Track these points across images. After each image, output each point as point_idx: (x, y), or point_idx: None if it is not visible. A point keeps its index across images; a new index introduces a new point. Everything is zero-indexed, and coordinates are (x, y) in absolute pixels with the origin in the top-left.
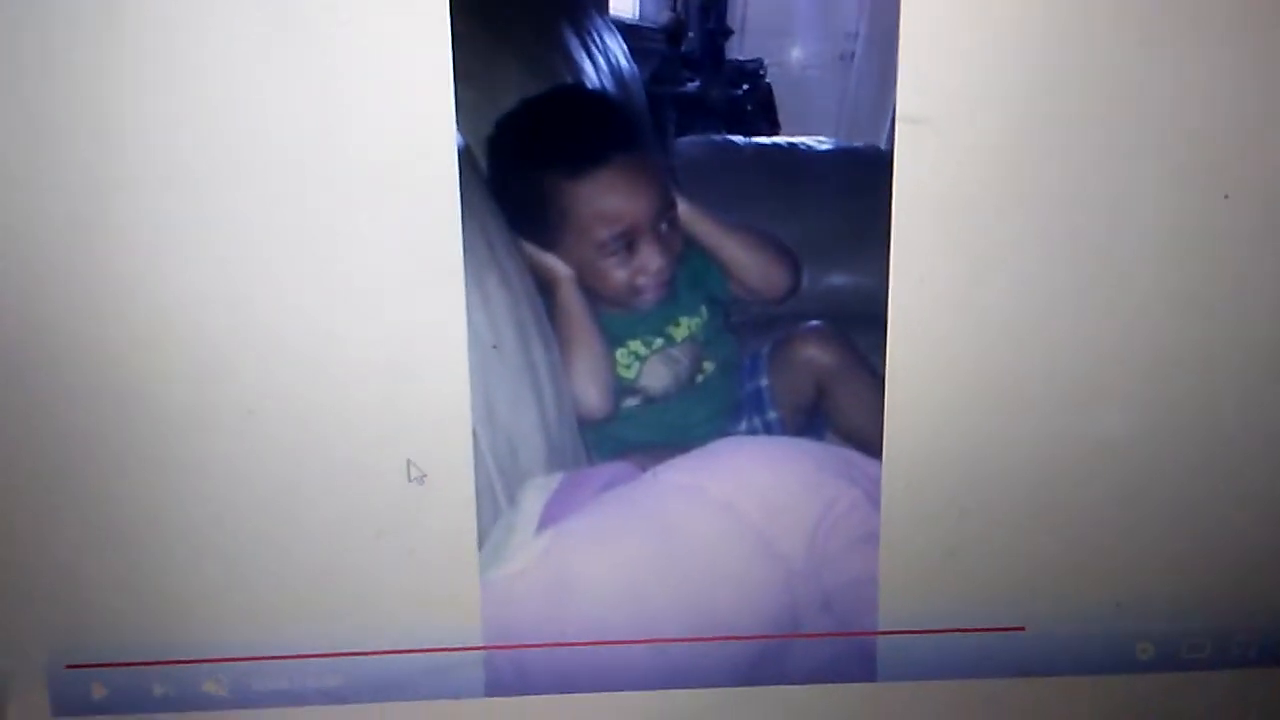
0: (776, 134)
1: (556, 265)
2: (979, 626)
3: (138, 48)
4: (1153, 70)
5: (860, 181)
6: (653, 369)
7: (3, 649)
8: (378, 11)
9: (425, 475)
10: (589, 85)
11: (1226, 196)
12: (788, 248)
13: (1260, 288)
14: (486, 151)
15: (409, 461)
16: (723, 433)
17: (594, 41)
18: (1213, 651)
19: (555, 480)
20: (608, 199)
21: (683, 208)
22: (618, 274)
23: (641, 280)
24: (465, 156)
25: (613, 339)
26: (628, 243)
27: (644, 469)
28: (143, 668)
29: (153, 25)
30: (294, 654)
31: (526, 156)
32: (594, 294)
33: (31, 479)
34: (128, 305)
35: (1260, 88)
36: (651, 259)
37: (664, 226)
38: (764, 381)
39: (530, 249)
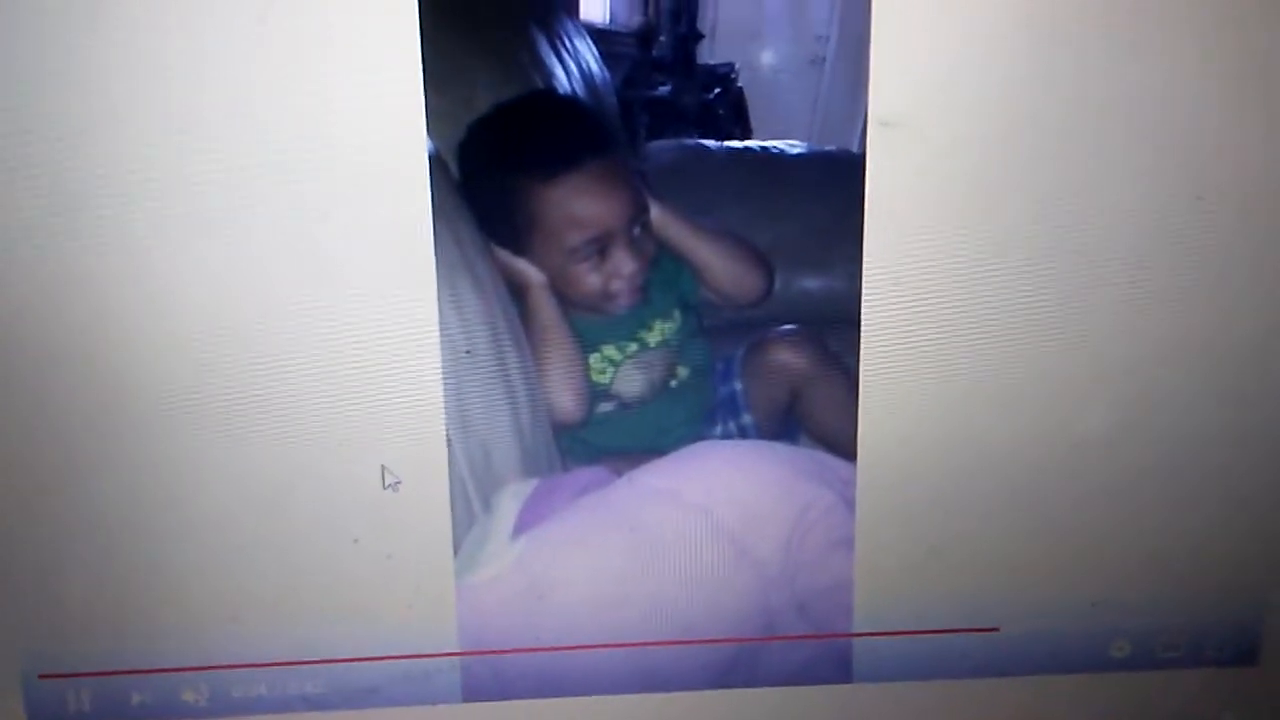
0: (749, 138)
1: (529, 270)
2: (954, 628)
3: (113, 53)
4: (1126, 72)
5: (833, 185)
6: (627, 374)
7: None
8: (348, 15)
9: (400, 481)
10: (561, 90)
11: (1199, 198)
12: (760, 252)
13: (1235, 287)
14: (458, 156)
15: (384, 468)
16: (697, 437)
17: (565, 46)
18: (1188, 650)
19: (530, 486)
20: (580, 204)
21: (655, 212)
22: (591, 279)
23: (615, 285)
24: (436, 162)
25: (586, 344)
26: (600, 248)
27: (619, 474)
28: (120, 676)
29: (129, 30)
30: (272, 661)
31: (499, 161)
32: (567, 299)
33: (4, 485)
34: (100, 311)
35: (1233, 89)
36: (624, 264)
37: (637, 231)
38: (738, 385)
39: (502, 254)
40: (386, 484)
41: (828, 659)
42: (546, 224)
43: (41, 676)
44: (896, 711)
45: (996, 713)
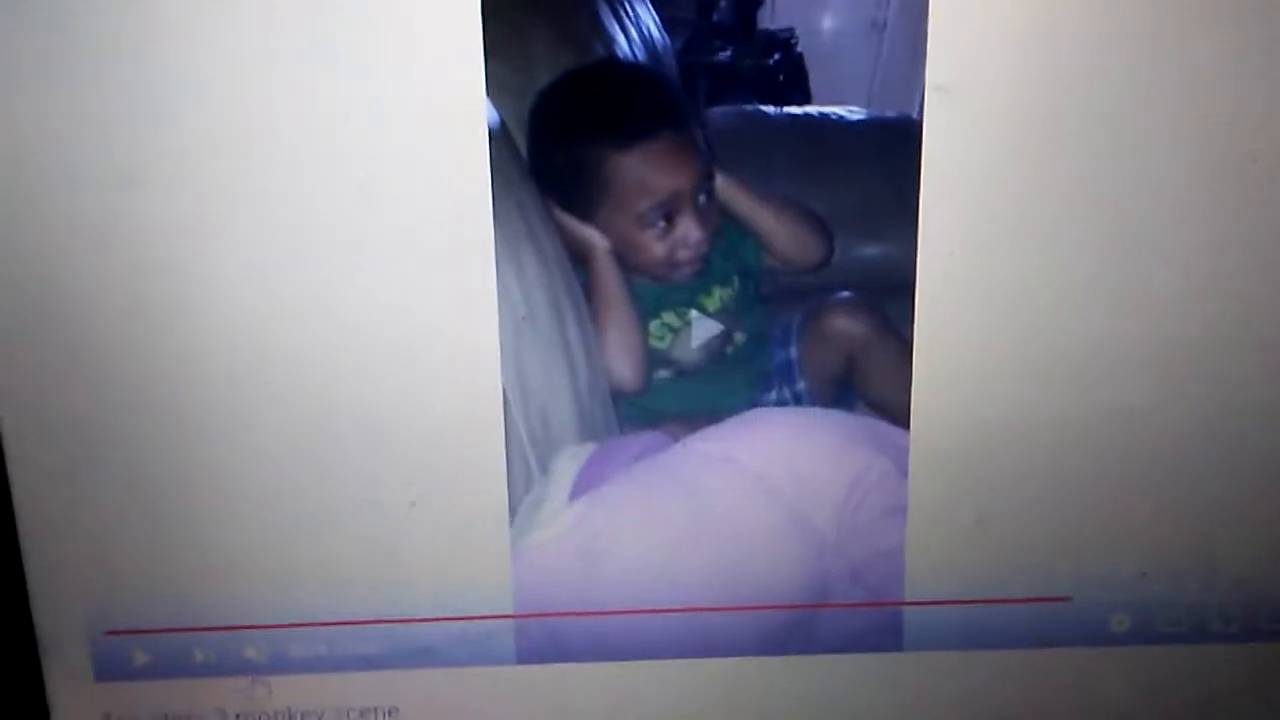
0: (808, 103)
1: (593, 236)
2: (1006, 598)
3: (167, 29)
4: (1185, 38)
5: (891, 151)
6: (685, 340)
7: (45, 616)
8: None
9: (457, 444)
10: (624, 56)
11: (1255, 161)
12: (821, 217)
13: None
14: (526, 123)
15: (441, 430)
16: (753, 403)
17: (625, 11)
18: (1241, 624)
19: (587, 450)
20: (653, 172)
21: (719, 179)
22: (657, 247)
23: (681, 253)
24: (498, 129)
25: (647, 311)
26: (667, 215)
27: (676, 439)
28: (183, 634)
29: (180, 7)
30: (331, 621)
31: (571, 128)
32: (630, 266)
33: (73, 449)
34: (166, 279)
35: None
36: (691, 231)
37: (702, 199)
38: (794, 352)
39: (567, 220)
40: (445, 446)
41: (879, 626)
42: (617, 191)
43: (108, 633)
44: (947, 680)
45: (1049, 682)
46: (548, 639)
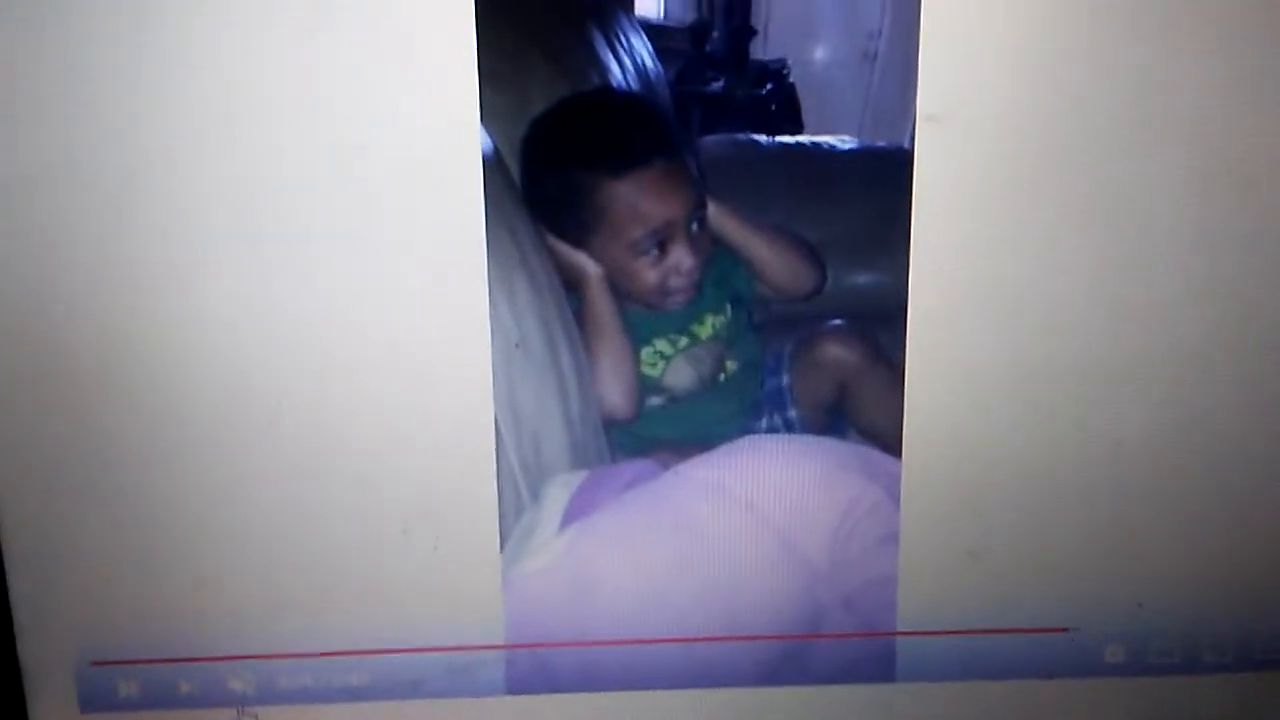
0: (800, 133)
1: (586, 263)
2: (1000, 628)
3: (162, 52)
4: (1175, 63)
5: (882, 180)
6: (677, 368)
7: (30, 646)
8: (403, 13)
9: (449, 472)
10: (617, 85)
11: (1250, 188)
12: (813, 246)
13: None
14: (519, 150)
15: (433, 458)
16: (745, 431)
17: (620, 41)
18: (1235, 653)
19: (579, 477)
20: (646, 200)
21: (711, 207)
22: (649, 274)
23: (673, 281)
24: (492, 157)
25: (638, 338)
26: (661, 243)
27: (667, 467)
28: (169, 665)
29: (179, 31)
30: (319, 652)
31: (564, 155)
32: (622, 293)
33: (59, 477)
34: (152, 306)
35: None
36: (683, 259)
37: (695, 227)
38: (785, 380)
39: (559, 246)
40: (435, 474)
41: (872, 657)
42: (610, 218)
43: (94, 664)
44: (940, 711)
45: (1043, 713)
46: (538, 669)
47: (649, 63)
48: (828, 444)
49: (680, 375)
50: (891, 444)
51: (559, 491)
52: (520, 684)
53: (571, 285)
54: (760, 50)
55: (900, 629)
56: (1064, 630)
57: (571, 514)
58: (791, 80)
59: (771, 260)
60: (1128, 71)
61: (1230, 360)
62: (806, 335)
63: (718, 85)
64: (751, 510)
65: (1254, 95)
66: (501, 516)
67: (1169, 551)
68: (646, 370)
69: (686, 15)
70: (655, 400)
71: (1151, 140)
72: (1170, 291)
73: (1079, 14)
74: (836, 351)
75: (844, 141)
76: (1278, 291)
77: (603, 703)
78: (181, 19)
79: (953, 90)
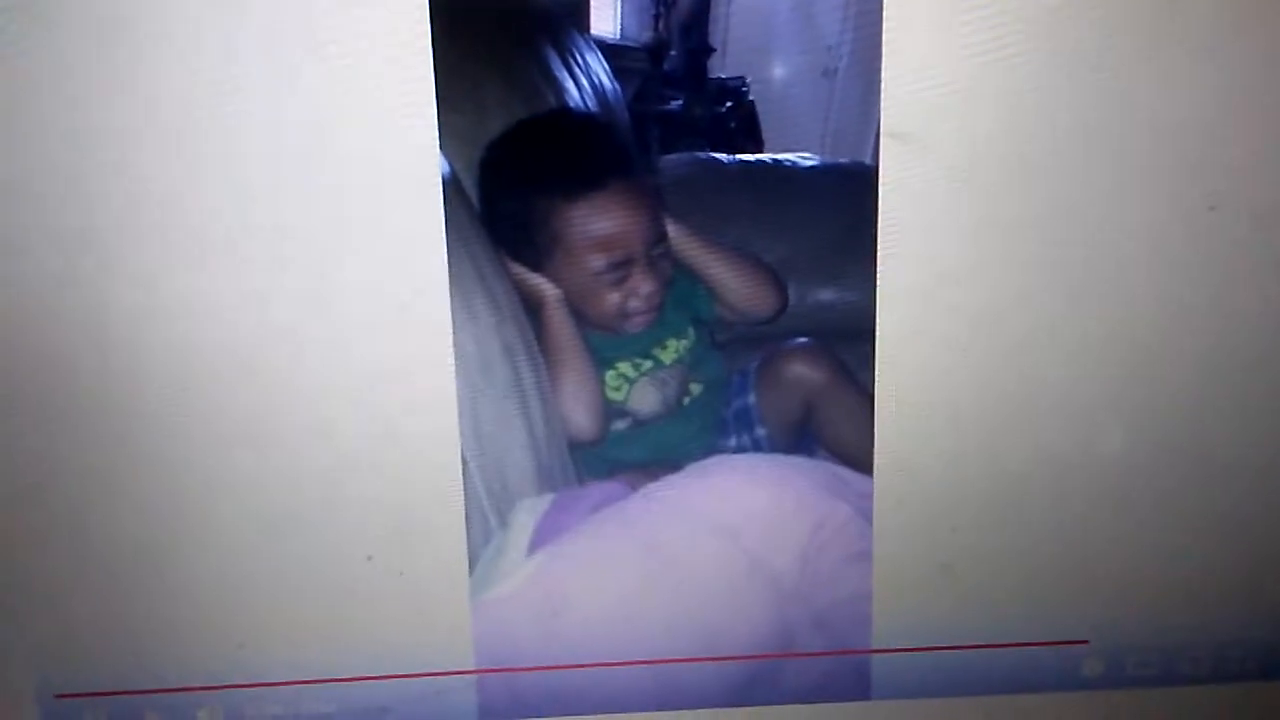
0: (761, 151)
1: (544, 286)
2: (974, 644)
3: (127, 77)
4: (1138, 83)
5: (846, 197)
6: (641, 391)
7: None
8: (360, 37)
9: (414, 497)
10: (575, 105)
11: (1212, 209)
12: (774, 270)
13: (1249, 299)
14: (477, 173)
15: (398, 484)
16: (712, 451)
17: (576, 61)
18: (1210, 666)
19: (546, 501)
20: (603, 223)
21: (671, 229)
22: (608, 297)
23: (632, 304)
24: (449, 178)
25: (601, 361)
26: (618, 265)
27: (635, 489)
28: (134, 696)
29: (140, 51)
30: (285, 681)
31: (520, 178)
32: (582, 316)
33: (21, 506)
34: (112, 336)
35: (1245, 101)
36: (642, 283)
37: (654, 250)
38: (752, 399)
39: (518, 269)
40: (401, 501)
41: (846, 675)
42: (567, 242)
43: (58, 696)
44: None
45: None
46: (509, 694)
47: (606, 82)
48: (796, 462)
49: (644, 398)
50: (861, 461)
51: (526, 515)
52: (491, 709)
53: (532, 308)
54: (719, 68)
55: (875, 646)
56: (1040, 644)
57: (539, 537)
58: (751, 98)
59: (732, 283)
60: (1093, 89)
61: (1201, 377)
62: (771, 354)
63: (676, 104)
64: (721, 530)
65: (1223, 114)
66: (468, 541)
67: (1142, 564)
68: (610, 394)
69: (643, 34)
70: (620, 423)
71: (1117, 157)
72: (1138, 308)
73: (1043, 30)
74: (801, 369)
75: (806, 159)
76: (1248, 310)
77: None
78: (146, 46)
79: (915, 107)
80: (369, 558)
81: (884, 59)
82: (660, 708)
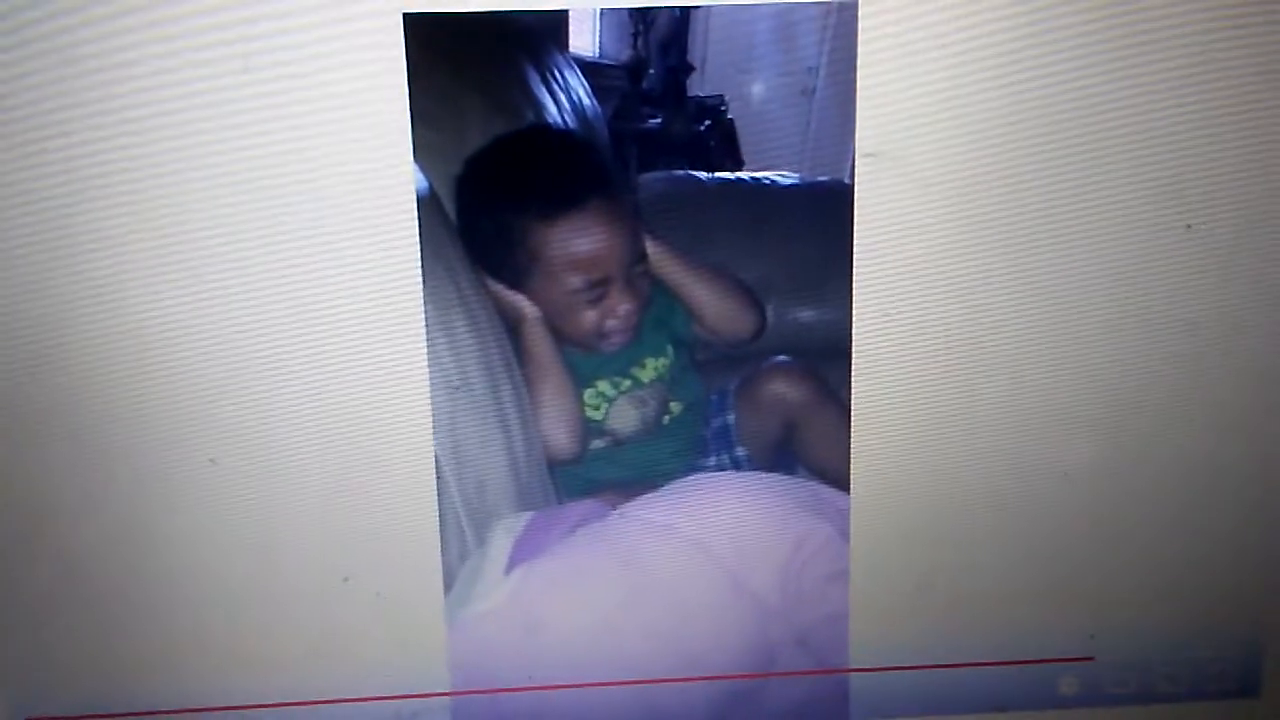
0: (740, 169)
1: (523, 304)
2: (952, 662)
3: (93, 95)
4: (1114, 102)
5: (824, 215)
6: (621, 410)
7: None
8: (334, 55)
9: (390, 517)
10: (554, 123)
11: (1189, 227)
12: (752, 291)
13: (1224, 316)
14: (454, 190)
15: (373, 502)
16: (692, 470)
17: (555, 79)
18: (1189, 683)
19: (523, 520)
20: (581, 242)
21: (650, 248)
22: (586, 316)
23: (610, 323)
24: (428, 196)
25: (580, 380)
26: (596, 284)
27: (613, 508)
28: (108, 719)
29: (113, 73)
30: (262, 703)
31: (498, 197)
32: (561, 335)
33: None
34: (86, 358)
35: (1221, 119)
36: (620, 303)
37: (633, 269)
38: (731, 418)
39: (496, 287)
40: (377, 520)
41: (826, 695)
42: (544, 260)
43: None
44: None
45: None
46: (486, 715)
47: (586, 100)
48: (775, 481)
49: (623, 417)
50: (842, 479)
51: (504, 534)
52: None
53: (511, 326)
54: (698, 87)
55: (853, 665)
56: (1017, 663)
57: (517, 556)
58: (730, 116)
59: (710, 304)
60: (1068, 109)
61: (1177, 393)
62: (750, 373)
63: (655, 122)
64: (701, 549)
65: (1198, 129)
66: (445, 560)
67: (1119, 582)
68: (589, 413)
69: (622, 52)
70: (600, 442)
71: (1094, 176)
72: (1114, 325)
73: (1017, 49)
74: (780, 388)
75: (785, 177)
76: (1224, 324)
77: None
78: (113, 62)
79: (892, 126)
80: (345, 579)
81: (859, 79)
82: None
